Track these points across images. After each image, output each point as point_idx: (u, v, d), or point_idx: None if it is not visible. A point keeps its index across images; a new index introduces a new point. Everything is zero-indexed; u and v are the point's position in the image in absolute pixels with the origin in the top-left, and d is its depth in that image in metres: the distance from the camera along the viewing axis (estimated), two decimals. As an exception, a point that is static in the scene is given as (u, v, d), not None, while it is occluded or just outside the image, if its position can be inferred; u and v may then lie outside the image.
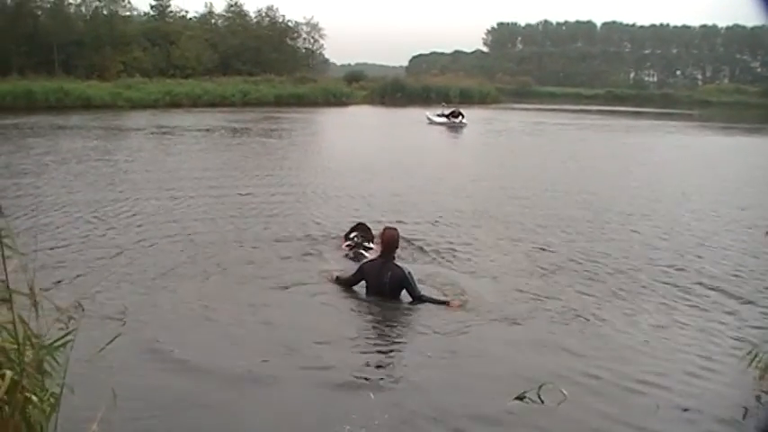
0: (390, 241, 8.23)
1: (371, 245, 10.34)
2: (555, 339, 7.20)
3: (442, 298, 8.29)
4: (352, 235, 10.84)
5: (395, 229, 8.46)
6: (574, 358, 6.64)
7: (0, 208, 2.40)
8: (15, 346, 2.61)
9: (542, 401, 5.32)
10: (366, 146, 27.79)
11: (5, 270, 2.56)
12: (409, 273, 8.17)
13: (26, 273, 2.75)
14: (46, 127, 32.72)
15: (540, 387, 5.34)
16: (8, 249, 2.60)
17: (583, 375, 6.14)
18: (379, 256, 8.34)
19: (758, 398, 5.77)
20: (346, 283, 8.48)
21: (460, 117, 40.37)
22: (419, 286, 8.18)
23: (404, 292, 8.14)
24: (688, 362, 6.61)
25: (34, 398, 2.67)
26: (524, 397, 5.40)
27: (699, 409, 5.60)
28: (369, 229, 10.83)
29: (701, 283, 9.35)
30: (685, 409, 5.59)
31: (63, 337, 2.93)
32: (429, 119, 41.95)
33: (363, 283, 8.36)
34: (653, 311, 8.18)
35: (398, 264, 8.30)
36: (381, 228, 8.77)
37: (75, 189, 15.69)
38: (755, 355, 5.84)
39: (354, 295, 8.33)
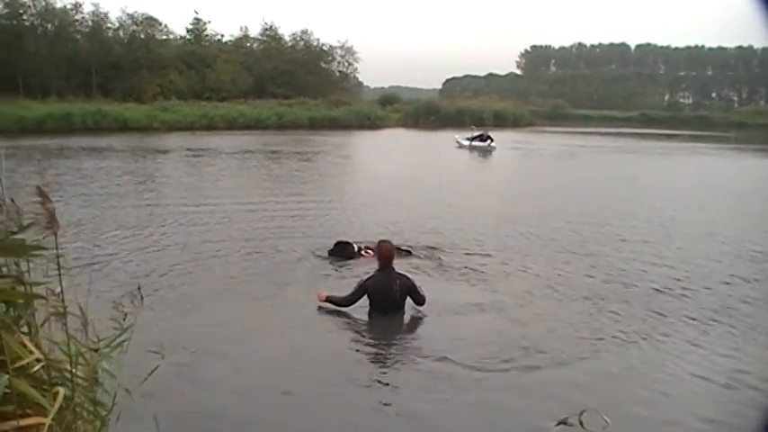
0: (388, 253, 8.48)
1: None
2: (593, 364, 7.15)
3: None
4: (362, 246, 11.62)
5: (389, 242, 8.74)
6: (613, 384, 6.63)
7: (57, 226, 2.45)
8: (68, 359, 2.65)
9: (584, 428, 5.28)
10: (393, 170, 27.71)
11: (61, 287, 2.62)
12: (414, 279, 8.61)
13: (77, 290, 2.82)
14: (74, 148, 33.40)
15: (581, 413, 5.29)
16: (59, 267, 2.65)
17: (623, 401, 6.11)
18: (379, 270, 8.53)
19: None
20: (345, 302, 8.54)
21: (489, 140, 39.63)
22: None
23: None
24: (739, 391, 6.52)
25: (85, 413, 2.70)
26: (566, 422, 5.35)
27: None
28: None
29: (731, 312, 9.14)
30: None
31: (118, 336, 2.95)
32: (458, 142, 41.54)
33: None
34: (690, 339, 8.04)
35: (401, 272, 8.60)
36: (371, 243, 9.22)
37: (101, 208, 16.02)
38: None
39: (365, 315, 8.46)
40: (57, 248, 2.48)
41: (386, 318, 8.33)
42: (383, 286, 8.37)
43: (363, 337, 7.90)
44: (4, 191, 2.64)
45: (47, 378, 2.56)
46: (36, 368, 2.47)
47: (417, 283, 8.57)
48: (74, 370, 2.60)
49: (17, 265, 2.58)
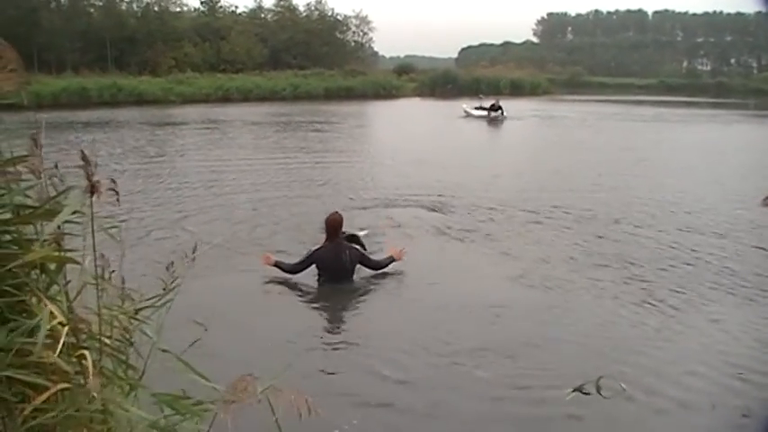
0: (336, 224, 8.64)
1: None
2: (611, 332, 7.15)
3: (387, 255, 9.01)
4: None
5: (338, 213, 8.84)
6: (631, 352, 6.57)
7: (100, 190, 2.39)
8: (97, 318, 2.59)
9: (601, 395, 5.25)
10: (396, 140, 27.54)
11: (94, 248, 2.56)
12: (361, 250, 8.99)
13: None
14: (86, 122, 33.57)
15: (598, 379, 5.27)
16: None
17: (641, 369, 6.09)
18: (327, 240, 8.66)
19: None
20: (293, 269, 8.69)
21: (500, 110, 37.46)
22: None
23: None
24: (753, 360, 6.41)
25: (115, 378, 2.64)
26: (582, 390, 5.32)
27: (758, 414, 5.43)
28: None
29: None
30: (744, 415, 5.43)
31: (161, 296, 2.89)
32: (466, 112, 39.18)
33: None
34: (715, 307, 7.99)
35: (349, 244, 8.86)
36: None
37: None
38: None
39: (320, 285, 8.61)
40: (92, 209, 2.43)
41: (337, 286, 8.48)
42: (333, 257, 8.53)
43: (315, 309, 8.06)
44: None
45: (75, 343, 2.51)
46: (63, 334, 2.42)
47: (366, 253, 8.99)
48: (102, 333, 2.56)
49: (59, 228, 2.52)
